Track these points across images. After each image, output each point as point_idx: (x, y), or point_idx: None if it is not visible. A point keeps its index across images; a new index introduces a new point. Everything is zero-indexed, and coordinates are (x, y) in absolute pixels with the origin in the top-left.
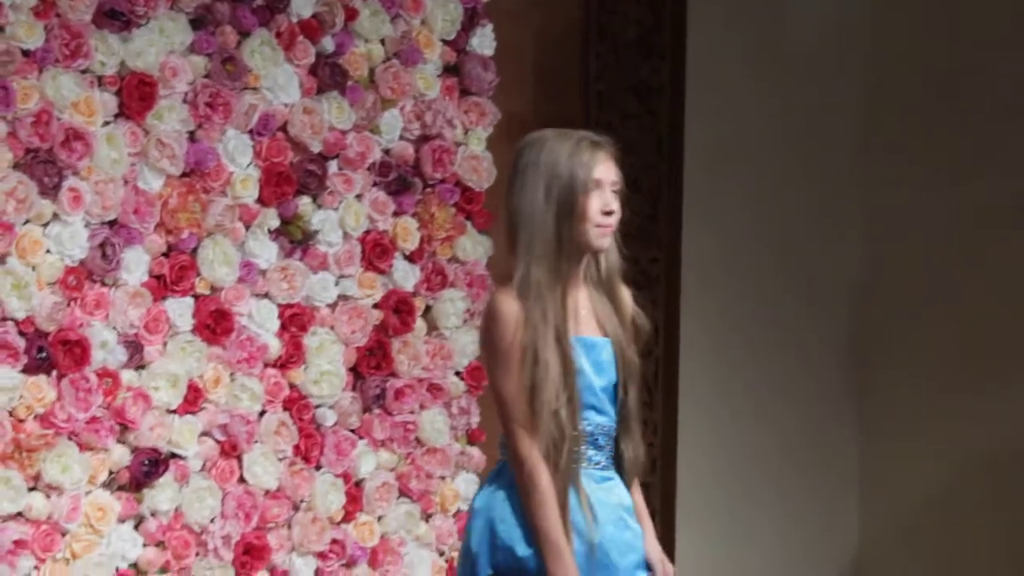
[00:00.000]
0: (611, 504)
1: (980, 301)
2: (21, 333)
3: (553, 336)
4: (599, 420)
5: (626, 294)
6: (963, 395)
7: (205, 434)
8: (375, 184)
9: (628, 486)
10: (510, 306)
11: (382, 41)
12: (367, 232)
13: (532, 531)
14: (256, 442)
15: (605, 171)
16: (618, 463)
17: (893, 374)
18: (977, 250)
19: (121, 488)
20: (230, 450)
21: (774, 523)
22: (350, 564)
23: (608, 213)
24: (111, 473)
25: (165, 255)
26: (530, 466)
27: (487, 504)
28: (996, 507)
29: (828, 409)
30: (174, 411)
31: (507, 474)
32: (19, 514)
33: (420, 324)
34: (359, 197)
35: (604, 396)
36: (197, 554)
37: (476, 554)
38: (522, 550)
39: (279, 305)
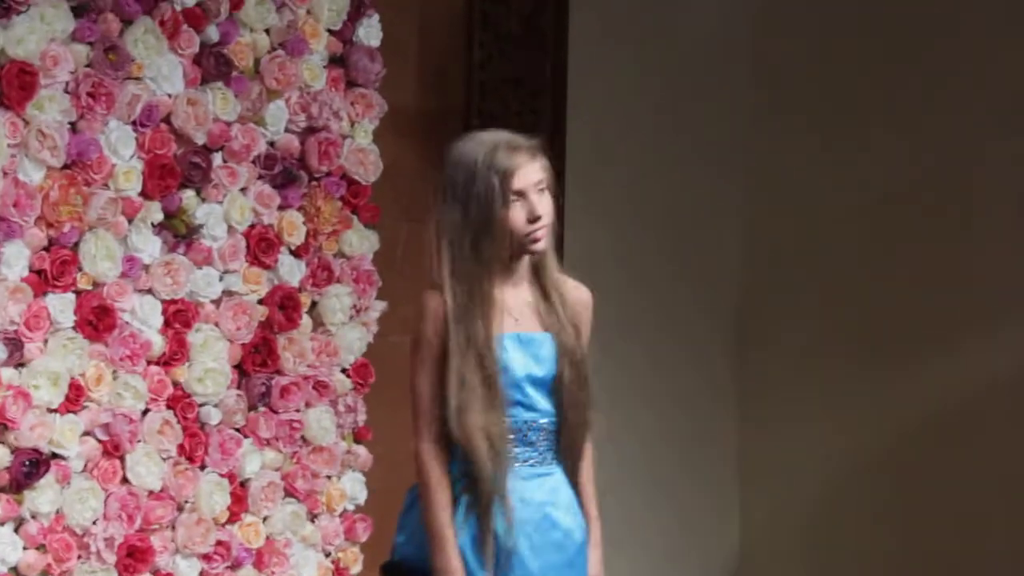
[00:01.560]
0: (536, 502)
1: (862, 290)
2: None
3: (472, 335)
4: (527, 416)
5: (565, 282)
6: (845, 384)
7: (87, 433)
8: (260, 177)
9: (573, 480)
10: (436, 304)
11: (267, 31)
12: (252, 226)
13: (423, 524)
14: (139, 442)
15: (525, 176)
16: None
17: (775, 363)
18: (859, 238)
19: (0, 490)
20: (113, 450)
21: (656, 513)
22: (235, 566)
23: (534, 219)
24: None
25: (46, 249)
26: (422, 460)
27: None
28: (877, 497)
29: (710, 398)
30: (55, 410)
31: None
32: None
33: (306, 320)
34: (244, 190)
35: (537, 391)
36: (79, 557)
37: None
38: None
39: (163, 301)
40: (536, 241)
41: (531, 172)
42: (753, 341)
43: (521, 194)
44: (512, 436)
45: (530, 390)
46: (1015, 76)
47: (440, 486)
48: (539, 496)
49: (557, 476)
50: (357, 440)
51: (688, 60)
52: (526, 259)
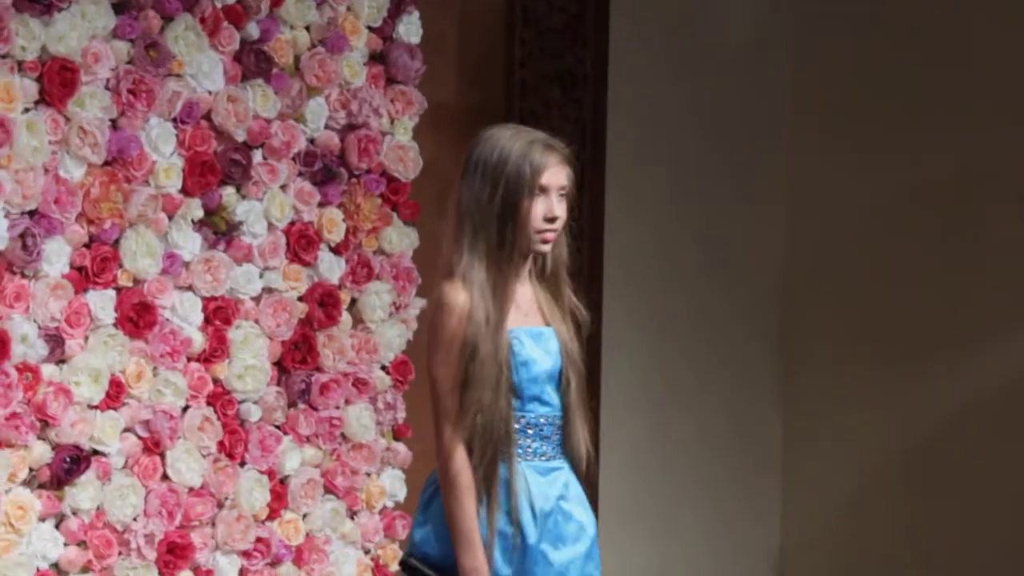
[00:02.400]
0: (553, 496)
1: (903, 290)
2: None
3: (492, 331)
4: (543, 411)
5: (568, 289)
6: (886, 384)
7: (127, 430)
8: (300, 174)
9: (576, 473)
10: (457, 296)
11: (307, 28)
12: (292, 223)
13: (448, 522)
14: (179, 438)
15: (553, 176)
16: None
17: (816, 363)
18: (901, 239)
19: (42, 486)
20: (153, 447)
21: (697, 512)
22: (275, 563)
23: (551, 220)
24: (31, 471)
25: (87, 246)
26: (448, 458)
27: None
28: (917, 495)
29: (751, 398)
30: (96, 407)
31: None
32: None
33: (346, 317)
34: (284, 187)
35: (550, 386)
36: (119, 553)
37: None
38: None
39: (203, 298)
40: (545, 241)
41: (559, 174)
42: (795, 343)
43: (545, 191)
44: (530, 431)
45: (546, 385)
46: None
47: (468, 484)
48: (554, 491)
49: (566, 470)
50: (396, 437)
51: (729, 59)
52: (529, 258)
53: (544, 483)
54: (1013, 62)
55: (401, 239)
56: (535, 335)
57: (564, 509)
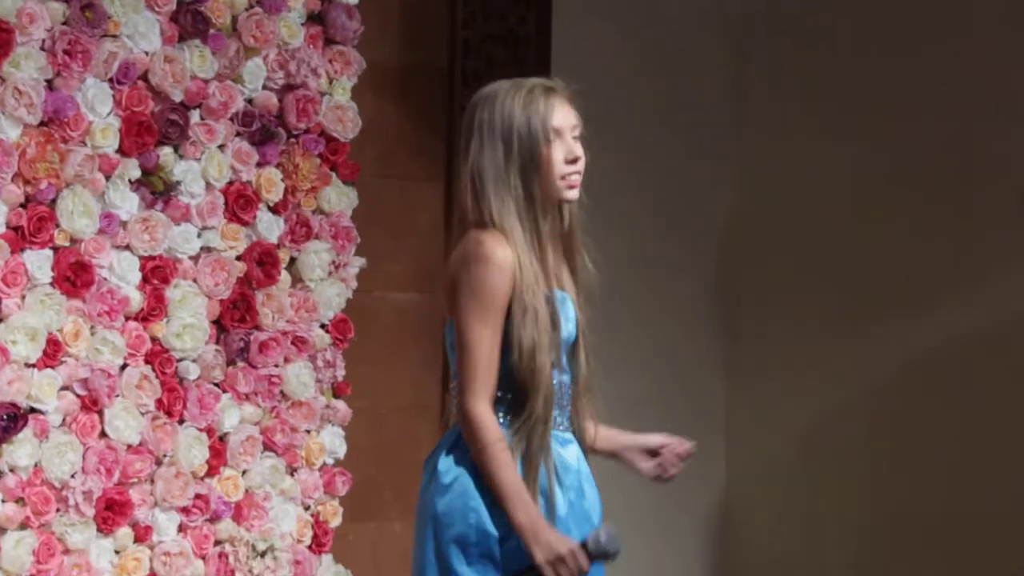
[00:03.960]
0: (573, 470)
1: (846, 248)
2: None
3: (543, 292)
4: (562, 379)
5: (582, 248)
6: (828, 341)
7: (65, 388)
8: (238, 134)
9: (583, 447)
10: (505, 252)
11: None
12: (230, 183)
13: (489, 485)
14: (118, 396)
15: (563, 117)
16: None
17: (761, 321)
18: (844, 199)
19: None
20: (91, 404)
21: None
22: (214, 519)
23: (573, 161)
24: None
25: (23, 206)
26: (480, 420)
27: (456, 466)
28: (859, 451)
29: (695, 353)
30: (33, 365)
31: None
32: None
33: (285, 276)
34: (222, 147)
35: (567, 354)
36: (58, 510)
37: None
38: (493, 526)
39: (140, 257)
40: (572, 187)
41: (568, 114)
42: (738, 303)
43: (559, 133)
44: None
45: (564, 353)
46: (1004, 66)
47: (502, 441)
48: (574, 462)
49: (576, 444)
50: (336, 395)
51: (674, 28)
52: (553, 214)
53: (565, 454)
54: (969, 42)
55: (340, 198)
56: (560, 300)
57: (582, 487)
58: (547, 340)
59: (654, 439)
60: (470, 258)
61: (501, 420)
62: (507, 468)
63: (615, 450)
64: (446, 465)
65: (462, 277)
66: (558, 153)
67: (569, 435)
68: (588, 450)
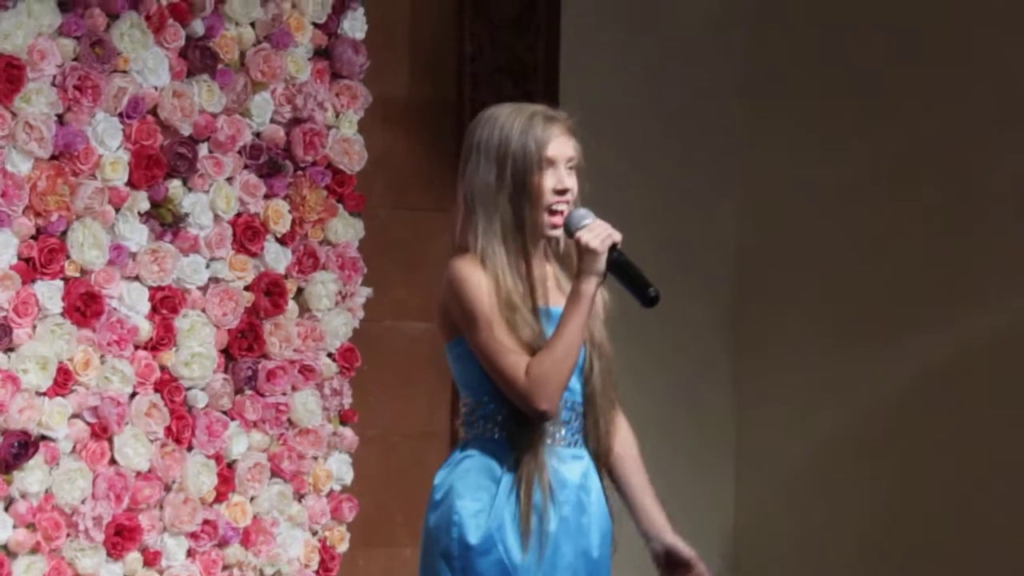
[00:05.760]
0: (573, 485)
1: (855, 268)
2: None
3: (526, 312)
4: (564, 395)
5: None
6: (837, 361)
7: (75, 416)
8: (246, 167)
9: (597, 465)
10: (472, 269)
11: (252, 24)
12: (238, 215)
13: (574, 331)
14: (127, 424)
15: (559, 147)
16: (586, 440)
17: (769, 340)
18: (851, 217)
19: None
20: (101, 432)
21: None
22: (222, 544)
23: (561, 192)
24: None
25: (34, 238)
26: (536, 379)
27: (446, 480)
28: (869, 471)
29: (704, 374)
30: (44, 393)
31: (472, 446)
32: None
33: (292, 306)
34: (230, 180)
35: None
36: (68, 535)
37: (435, 529)
38: (473, 537)
39: (149, 287)
40: (554, 225)
41: (565, 145)
42: (747, 322)
43: (552, 163)
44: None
45: None
46: (1008, 66)
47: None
48: (575, 478)
49: (587, 460)
50: (343, 422)
51: (681, 50)
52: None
53: (565, 468)
54: (973, 45)
55: (346, 229)
56: (555, 316)
57: (582, 501)
58: (528, 354)
59: (686, 552)
60: (452, 286)
61: (496, 436)
62: (560, 339)
63: (643, 524)
64: (438, 480)
65: (452, 306)
66: (548, 182)
67: (576, 451)
68: (603, 469)
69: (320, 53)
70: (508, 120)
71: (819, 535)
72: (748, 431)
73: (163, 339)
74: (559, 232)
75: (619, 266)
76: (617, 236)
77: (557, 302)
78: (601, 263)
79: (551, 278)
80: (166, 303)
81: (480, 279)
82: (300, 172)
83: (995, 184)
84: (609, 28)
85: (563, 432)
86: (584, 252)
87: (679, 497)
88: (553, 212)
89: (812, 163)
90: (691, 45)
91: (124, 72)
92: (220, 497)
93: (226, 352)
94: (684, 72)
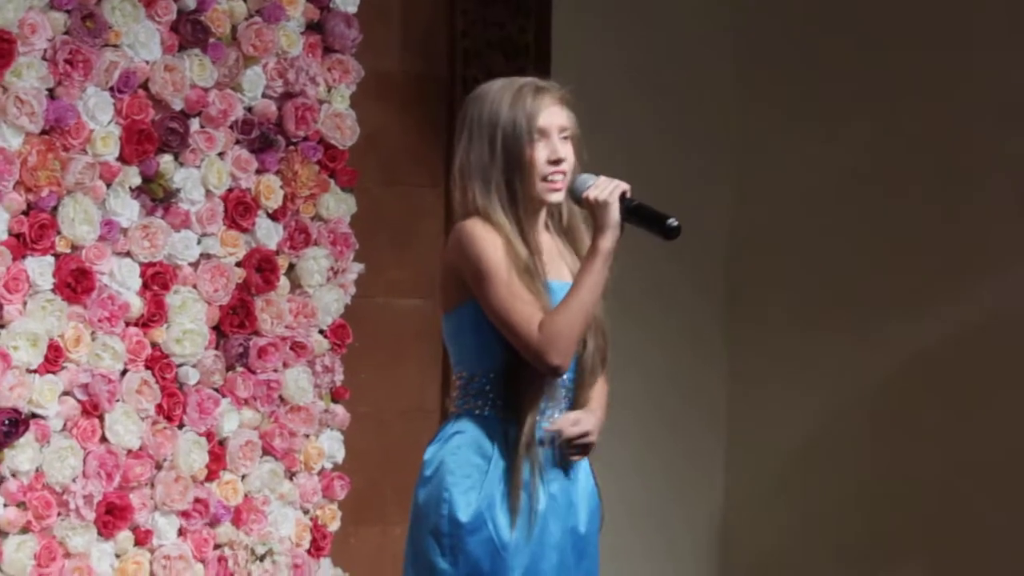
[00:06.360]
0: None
1: (848, 254)
2: None
3: (534, 280)
4: None
5: (586, 240)
6: (829, 344)
7: (66, 393)
8: (237, 142)
9: None
10: (490, 232)
11: None
12: (230, 190)
13: (593, 291)
14: (118, 401)
15: (550, 117)
16: None
17: (761, 321)
18: (845, 202)
19: None
20: (91, 409)
21: (640, 469)
22: (214, 523)
23: (555, 162)
24: None
25: (24, 213)
26: (551, 336)
27: (436, 455)
28: (860, 454)
29: (696, 355)
30: (34, 370)
31: (462, 421)
32: None
33: (283, 282)
34: (221, 155)
35: None
36: (59, 514)
37: (424, 506)
38: (464, 515)
39: (141, 264)
40: (554, 189)
41: (557, 115)
42: (740, 303)
43: (545, 134)
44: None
45: None
46: (1003, 67)
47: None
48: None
49: None
50: (335, 399)
51: (673, 30)
52: (544, 209)
53: (552, 447)
54: (956, 41)
55: (338, 205)
56: (556, 289)
57: (569, 478)
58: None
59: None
60: (463, 243)
61: (487, 413)
62: (579, 288)
63: None
64: (428, 456)
65: (463, 266)
66: (541, 153)
67: None
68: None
69: (312, 27)
70: (497, 95)
71: (810, 516)
72: (740, 410)
73: (154, 316)
74: (558, 196)
75: (633, 211)
76: (625, 185)
77: (556, 276)
78: (615, 212)
79: (551, 250)
80: (157, 279)
81: (494, 237)
82: (292, 147)
83: (988, 172)
84: (601, 4)
85: (551, 409)
86: (596, 208)
87: (670, 474)
88: (547, 180)
89: (809, 139)
90: (684, 23)
91: (115, 46)
92: (211, 475)
93: (217, 329)
94: (677, 49)
